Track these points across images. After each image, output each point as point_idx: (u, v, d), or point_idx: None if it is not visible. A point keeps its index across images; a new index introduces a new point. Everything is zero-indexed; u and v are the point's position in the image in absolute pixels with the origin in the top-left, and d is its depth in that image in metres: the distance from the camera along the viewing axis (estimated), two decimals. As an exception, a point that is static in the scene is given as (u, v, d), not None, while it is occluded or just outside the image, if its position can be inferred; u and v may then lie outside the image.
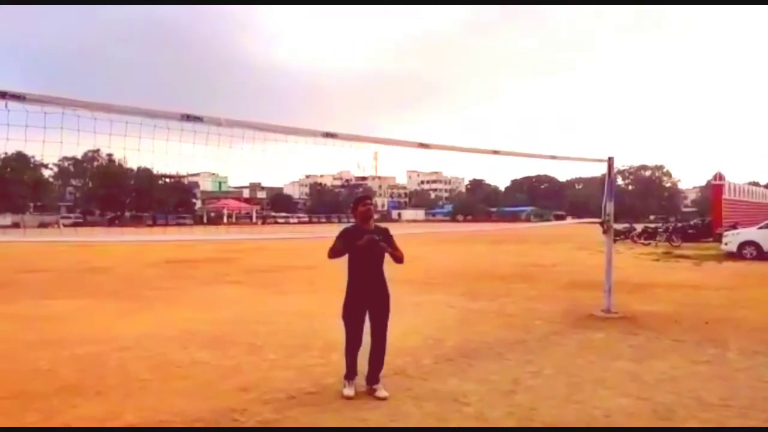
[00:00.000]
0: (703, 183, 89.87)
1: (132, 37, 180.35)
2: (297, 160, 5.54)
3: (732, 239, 19.37)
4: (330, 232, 4.80)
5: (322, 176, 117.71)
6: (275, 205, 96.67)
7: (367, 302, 4.73)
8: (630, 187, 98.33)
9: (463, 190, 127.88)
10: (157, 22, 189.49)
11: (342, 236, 4.73)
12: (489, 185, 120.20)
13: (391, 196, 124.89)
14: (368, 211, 4.76)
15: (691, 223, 31.51)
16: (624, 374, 5.35)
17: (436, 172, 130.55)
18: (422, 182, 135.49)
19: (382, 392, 4.63)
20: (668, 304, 9.50)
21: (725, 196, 28.95)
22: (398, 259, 4.81)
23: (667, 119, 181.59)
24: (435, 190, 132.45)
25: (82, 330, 7.32)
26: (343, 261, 4.82)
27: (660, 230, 27.58)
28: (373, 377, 4.73)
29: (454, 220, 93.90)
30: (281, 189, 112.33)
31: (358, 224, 4.76)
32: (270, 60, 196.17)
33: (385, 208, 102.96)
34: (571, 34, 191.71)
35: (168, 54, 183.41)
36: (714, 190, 30.85)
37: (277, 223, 73.51)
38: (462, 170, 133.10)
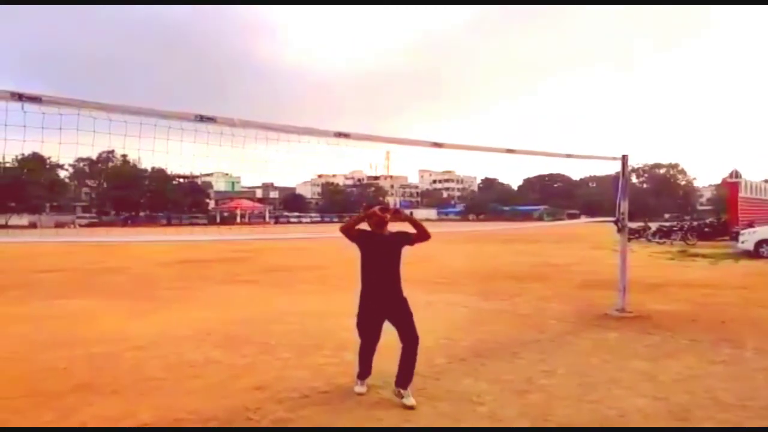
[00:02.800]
0: (718, 181, 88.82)
1: (144, 41, 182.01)
2: (309, 160, 5.57)
3: (748, 238, 19.11)
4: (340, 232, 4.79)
5: (334, 176, 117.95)
6: (288, 204, 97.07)
7: (382, 311, 4.64)
8: (644, 186, 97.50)
9: (476, 189, 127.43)
10: (166, 25, 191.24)
11: (361, 234, 4.69)
12: (502, 184, 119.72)
13: (403, 196, 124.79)
14: (381, 219, 4.65)
15: (707, 221, 31.18)
16: (639, 374, 5.30)
17: (449, 171, 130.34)
18: (434, 181, 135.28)
19: (409, 400, 4.41)
20: (684, 303, 9.40)
21: (741, 194, 28.55)
22: (421, 230, 4.66)
23: (681, 116, 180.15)
24: (447, 189, 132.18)
25: (96, 329, 7.39)
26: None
27: (675, 229, 27.31)
28: (403, 379, 4.51)
29: (466, 219, 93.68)
30: (294, 189, 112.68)
31: (374, 231, 4.69)
32: (280, 61, 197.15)
33: (398, 207, 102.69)
34: (583, 33, 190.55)
35: (178, 57, 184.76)
36: (730, 187, 30.44)
37: (289, 222, 73.83)
38: (474, 169, 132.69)
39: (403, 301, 4.66)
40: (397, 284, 4.67)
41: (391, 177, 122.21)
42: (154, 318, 8.28)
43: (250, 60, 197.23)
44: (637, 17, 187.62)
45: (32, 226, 54.46)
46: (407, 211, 4.85)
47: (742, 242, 19.29)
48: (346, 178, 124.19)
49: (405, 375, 4.51)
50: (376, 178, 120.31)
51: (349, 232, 4.69)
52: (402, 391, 4.46)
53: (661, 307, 8.92)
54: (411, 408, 4.34)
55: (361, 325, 4.75)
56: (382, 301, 4.62)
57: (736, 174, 29.61)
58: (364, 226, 4.77)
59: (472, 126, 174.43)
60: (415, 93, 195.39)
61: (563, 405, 4.47)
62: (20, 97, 3.56)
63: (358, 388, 4.77)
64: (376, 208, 4.71)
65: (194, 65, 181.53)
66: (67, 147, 4.09)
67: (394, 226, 4.80)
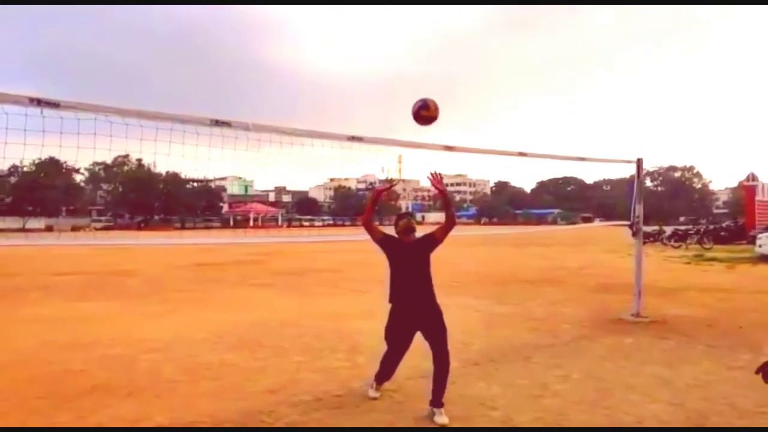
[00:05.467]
0: (735, 184, 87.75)
1: (155, 43, 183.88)
2: (322, 164, 5.59)
3: (766, 241, 18.84)
4: (354, 234, 4.78)
5: (346, 179, 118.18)
6: (300, 208, 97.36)
7: (414, 323, 4.45)
8: (659, 189, 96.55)
9: (488, 192, 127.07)
10: (183, 31, 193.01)
11: (385, 239, 4.55)
12: (514, 187, 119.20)
13: (416, 199, 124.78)
14: (408, 224, 4.53)
15: (723, 224, 30.81)
16: (655, 380, 5.25)
17: (461, 175, 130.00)
18: (447, 185, 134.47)
19: (441, 418, 4.18)
20: (700, 308, 9.30)
21: (758, 197, 28.21)
22: (451, 215, 4.53)
23: (697, 118, 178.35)
24: (460, 192, 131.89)
25: (112, 332, 7.46)
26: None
27: (691, 232, 27.02)
28: (436, 399, 4.30)
29: (478, 222, 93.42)
30: (306, 192, 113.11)
31: (401, 237, 4.57)
32: (290, 64, 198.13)
33: (410, 210, 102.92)
34: (600, 35, 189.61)
35: (189, 59, 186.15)
36: (746, 191, 30.11)
37: (302, 226, 74.14)
38: (487, 172, 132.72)
39: (438, 312, 4.45)
40: (430, 293, 4.46)
41: (403, 181, 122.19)
42: (169, 320, 8.35)
43: (260, 63, 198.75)
44: (650, 17, 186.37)
45: (49, 229, 55.10)
46: (420, 215, 4.76)
47: (760, 246, 19.03)
48: (359, 182, 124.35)
49: (439, 395, 4.31)
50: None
51: (370, 226, 4.56)
52: (435, 409, 4.27)
53: (677, 312, 8.83)
54: (442, 426, 4.12)
55: (390, 337, 4.57)
56: (415, 313, 4.43)
57: (753, 177, 29.27)
58: (388, 230, 4.63)
59: (487, 129, 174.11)
60: (429, 96, 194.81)
61: (578, 410, 4.44)
62: (39, 102, 3.61)
63: (372, 393, 4.71)
64: (378, 187, 4.67)
65: (206, 67, 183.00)
66: (84, 151, 4.15)
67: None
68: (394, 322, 4.51)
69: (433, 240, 4.53)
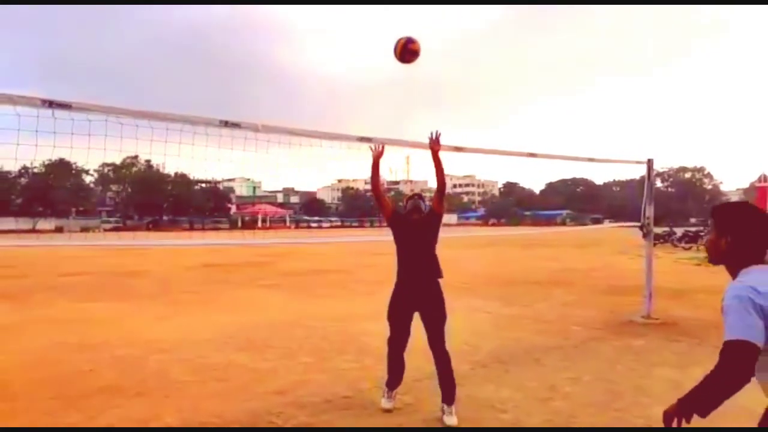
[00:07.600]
0: (746, 185, 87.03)
1: (169, 52, 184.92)
2: (330, 165, 5.59)
3: (777, 243, 18.64)
4: (361, 236, 4.77)
5: (354, 180, 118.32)
6: (308, 209, 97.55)
7: (413, 301, 4.41)
8: (669, 190, 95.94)
9: (496, 193, 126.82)
10: (190, 33, 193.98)
11: (394, 216, 4.62)
12: (523, 188, 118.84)
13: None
14: (416, 203, 4.60)
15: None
16: (666, 382, 5.21)
17: (469, 176, 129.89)
18: (455, 186, 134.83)
19: (451, 419, 4.17)
20: (711, 310, 9.20)
21: (770, 198, 27.95)
22: (439, 175, 4.56)
23: (708, 119, 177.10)
24: (468, 193, 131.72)
25: (121, 332, 7.50)
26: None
27: (701, 234, 26.80)
28: (447, 396, 4.29)
29: (486, 223, 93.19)
30: (314, 193, 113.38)
31: (408, 216, 4.62)
32: (301, 65, 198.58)
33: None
34: (609, 35, 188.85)
35: (199, 64, 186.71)
36: (758, 192, 29.84)
37: (309, 227, 74.28)
38: (495, 174, 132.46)
39: (440, 296, 4.42)
40: (434, 271, 4.43)
41: (411, 182, 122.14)
42: (177, 321, 8.37)
43: (268, 64, 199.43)
44: (660, 18, 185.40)
45: (59, 230, 55.52)
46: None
47: (771, 248, 18.83)
48: (366, 183, 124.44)
49: (448, 391, 4.30)
50: (396, 182, 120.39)
51: (380, 193, 4.68)
52: (446, 407, 4.25)
53: (688, 314, 8.76)
54: (451, 427, 4.11)
55: (391, 316, 4.52)
56: (414, 290, 4.40)
57: (764, 178, 29.00)
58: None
59: (492, 132, 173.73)
60: (435, 100, 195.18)
61: (588, 413, 4.41)
62: (51, 104, 3.63)
63: (386, 403, 4.50)
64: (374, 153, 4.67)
65: (212, 69, 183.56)
66: (93, 152, 4.17)
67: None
68: (397, 298, 4.50)
69: (433, 213, 4.59)
